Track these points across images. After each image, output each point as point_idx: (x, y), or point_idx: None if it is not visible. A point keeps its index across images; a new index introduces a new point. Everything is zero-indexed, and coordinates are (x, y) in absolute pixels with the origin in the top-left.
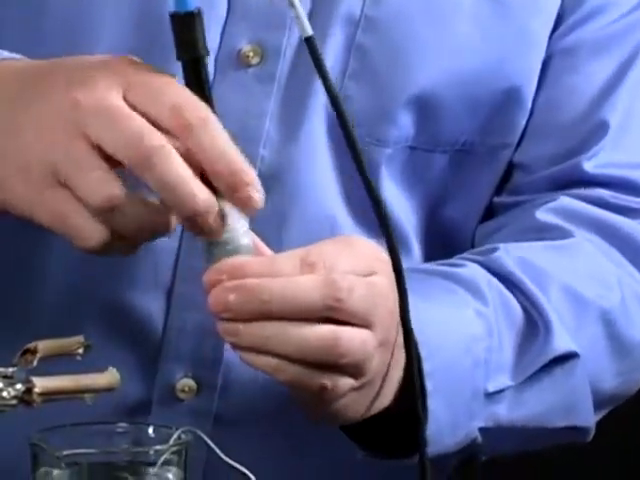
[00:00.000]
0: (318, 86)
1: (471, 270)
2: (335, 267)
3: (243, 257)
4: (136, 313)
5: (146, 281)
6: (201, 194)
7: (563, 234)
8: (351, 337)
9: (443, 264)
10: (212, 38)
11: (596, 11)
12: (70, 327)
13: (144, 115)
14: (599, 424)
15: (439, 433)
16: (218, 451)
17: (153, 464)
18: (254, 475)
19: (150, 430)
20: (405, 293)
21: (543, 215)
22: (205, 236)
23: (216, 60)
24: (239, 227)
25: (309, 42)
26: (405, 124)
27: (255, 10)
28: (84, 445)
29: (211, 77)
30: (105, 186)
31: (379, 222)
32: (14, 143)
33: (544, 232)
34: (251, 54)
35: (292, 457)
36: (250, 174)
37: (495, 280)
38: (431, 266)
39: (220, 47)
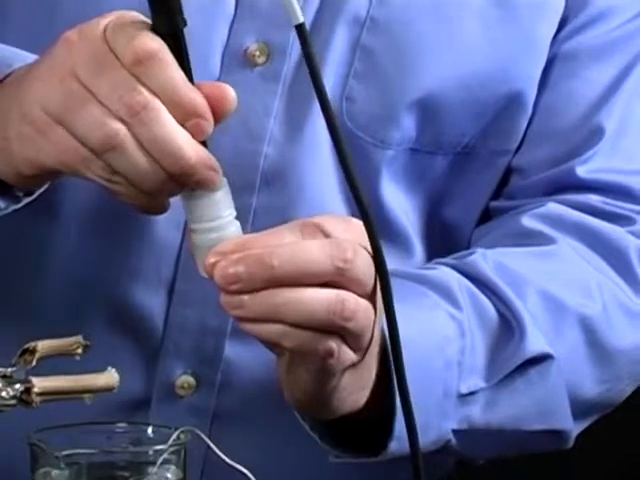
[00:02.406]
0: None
1: (442, 273)
2: (335, 235)
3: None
4: (137, 309)
5: (148, 277)
6: (191, 148)
7: (546, 241)
8: (356, 301)
9: (416, 268)
10: (219, 35)
11: (598, 17)
12: (71, 323)
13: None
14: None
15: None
16: (217, 451)
17: (152, 464)
18: (253, 473)
19: (149, 430)
20: (388, 282)
21: (528, 221)
22: (205, 188)
23: (222, 57)
24: (225, 215)
25: (299, 30)
26: (408, 126)
27: (262, 9)
28: (83, 445)
29: (217, 74)
30: (102, 125)
31: (362, 220)
32: (18, 95)
33: (527, 238)
34: (257, 53)
35: (292, 454)
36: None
37: (467, 282)
38: (403, 270)
39: (227, 45)
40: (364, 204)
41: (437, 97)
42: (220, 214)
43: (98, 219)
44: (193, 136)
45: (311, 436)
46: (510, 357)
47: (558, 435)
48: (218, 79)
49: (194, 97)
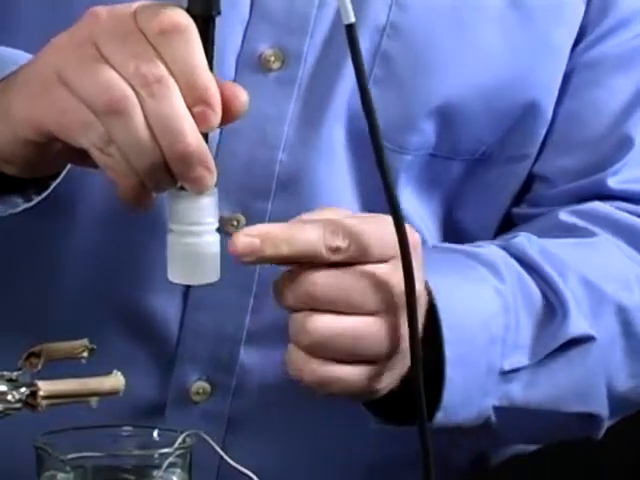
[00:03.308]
0: (339, 91)
1: (490, 250)
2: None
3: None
4: (152, 314)
5: (162, 282)
6: (194, 135)
7: (585, 233)
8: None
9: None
10: (234, 39)
11: (620, 24)
12: (85, 328)
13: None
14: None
15: (452, 405)
16: (223, 454)
17: (158, 467)
18: (268, 478)
19: (155, 433)
20: (413, 284)
21: (566, 216)
22: (194, 187)
23: (237, 62)
24: (207, 222)
25: (349, 30)
26: (427, 132)
27: (277, 13)
28: (89, 448)
29: (231, 78)
30: (111, 87)
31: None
32: (30, 62)
33: (567, 231)
34: (272, 59)
35: (307, 460)
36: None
37: (513, 261)
38: (451, 245)
39: (241, 49)
40: (400, 216)
41: (456, 105)
42: (202, 220)
43: (112, 223)
44: (197, 124)
45: (327, 443)
46: (553, 336)
47: (593, 420)
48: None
49: (209, 83)
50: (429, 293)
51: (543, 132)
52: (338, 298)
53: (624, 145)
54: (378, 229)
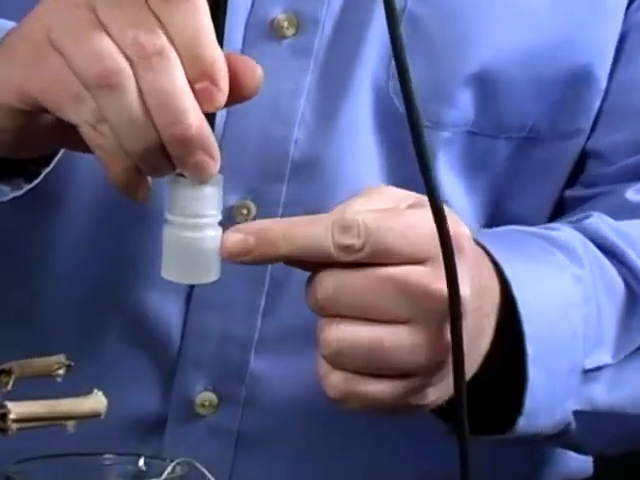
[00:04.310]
0: (361, 61)
1: (566, 233)
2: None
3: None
4: (151, 317)
5: (162, 281)
6: (195, 115)
7: None
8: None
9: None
10: (242, 3)
11: None
12: (78, 333)
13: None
14: None
15: (534, 409)
16: None
17: None
18: None
19: (141, 462)
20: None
21: (633, 195)
22: (194, 174)
23: (246, 28)
24: (208, 215)
25: None
26: (464, 105)
27: None
28: (67, 479)
29: (239, 46)
30: (104, 58)
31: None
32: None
33: (632, 213)
34: (286, 24)
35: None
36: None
37: (591, 244)
38: (519, 227)
39: (250, 14)
40: (440, 207)
41: (496, 72)
42: (203, 212)
43: (106, 215)
44: (199, 103)
45: (344, 462)
46: (638, 330)
47: None
48: (241, 52)
49: (215, 57)
50: (503, 282)
51: (597, 103)
52: (354, 303)
53: None
54: (408, 224)
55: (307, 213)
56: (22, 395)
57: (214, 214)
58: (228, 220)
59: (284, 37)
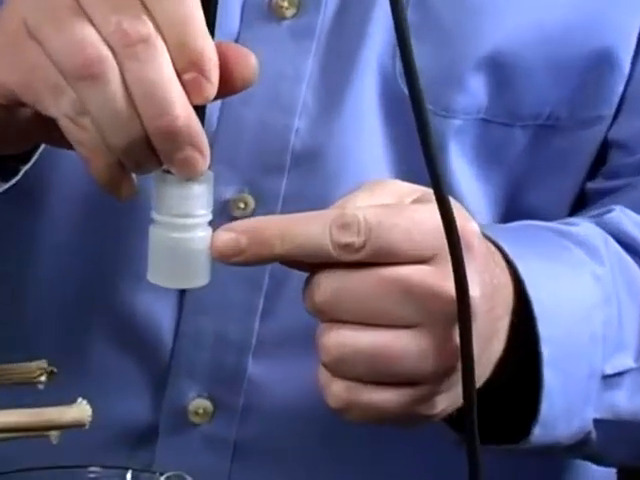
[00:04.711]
0: (366, 45)
1: (585, 228)
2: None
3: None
4: (142, 319)
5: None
6: (182, 107)
7: None
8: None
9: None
10: None
11: None
12: (65, 337)
13: None
14: None
15: (551, 417)
16: None
17: None
18: None
19: (128, 476)
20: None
21: None
22: (181, 171)
23: (242, 9)
24: (197, 215)
25: None
26: (476, 90)
27: None
28: None
29: (235, 29)
30: (85, 47)
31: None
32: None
33: None
34: (285, 4)
35: None
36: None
37: (613, 241)
38: (535, 222)
39: None
40: (446, 202)
41: (510, 55)
42: (190, 211)
43: (91, 215)
44: (188, 94)
45: (344, 474)
46: None
47: None
48: (237, 35)
49: (205, 46)
50: (517, 281)
51: (620, 89)
52: (355, 307)
53: None
54: (412, 220)
55: (308, 207)
56: (2, 404)
57: (204, 213)
58: (224, 214)
59: (284, 18)
